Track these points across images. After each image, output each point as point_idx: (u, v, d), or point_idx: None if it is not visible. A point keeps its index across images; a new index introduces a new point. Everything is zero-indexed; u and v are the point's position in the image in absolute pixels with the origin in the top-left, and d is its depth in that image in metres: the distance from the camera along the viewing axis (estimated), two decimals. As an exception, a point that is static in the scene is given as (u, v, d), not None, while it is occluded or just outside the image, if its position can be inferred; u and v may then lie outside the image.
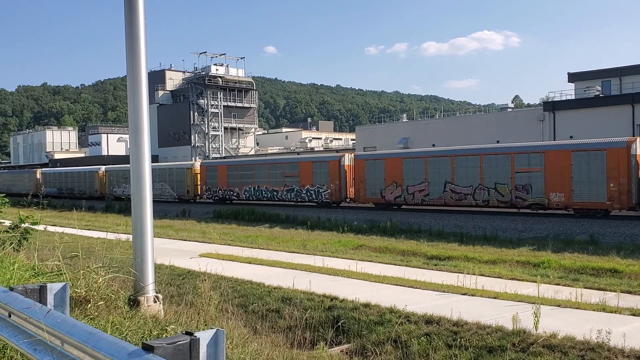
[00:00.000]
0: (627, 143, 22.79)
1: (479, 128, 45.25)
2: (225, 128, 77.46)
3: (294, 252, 18.47)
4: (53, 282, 5.97)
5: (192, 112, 75.76)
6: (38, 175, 61.83)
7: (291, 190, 35.01)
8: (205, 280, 9.60)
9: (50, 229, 18.69)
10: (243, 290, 12.21)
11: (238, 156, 71.56)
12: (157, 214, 28.03)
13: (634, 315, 9.42)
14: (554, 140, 37.51)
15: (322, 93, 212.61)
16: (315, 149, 69.56)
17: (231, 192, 39.32)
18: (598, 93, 43.23)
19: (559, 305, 10.14)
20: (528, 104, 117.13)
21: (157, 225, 23.55)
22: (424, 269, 15.15)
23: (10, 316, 5.26)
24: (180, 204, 42.25)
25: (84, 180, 54.87)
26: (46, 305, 5.20)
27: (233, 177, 39.33)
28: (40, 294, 5.43)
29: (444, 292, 11.56)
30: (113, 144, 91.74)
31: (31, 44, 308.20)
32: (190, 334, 3.68)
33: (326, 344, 8.78)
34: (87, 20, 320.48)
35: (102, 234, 19.12)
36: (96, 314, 6.66)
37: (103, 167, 53.33)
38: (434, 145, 42.65)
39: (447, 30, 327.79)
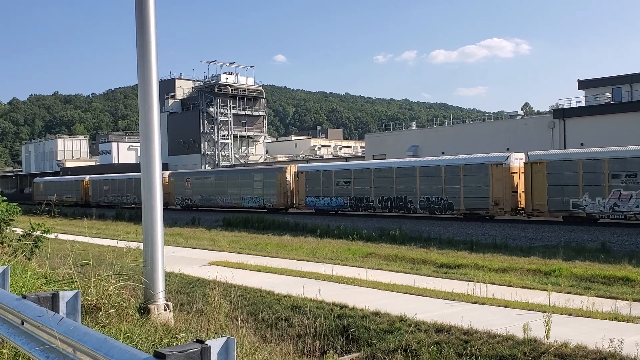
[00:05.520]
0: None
1: (489, 136, 45.14)
2: (235, 136, 77.78)
3: (303, 260, 18.48)
4: (65, 290, 6.01)
5: (201, 120, 76.15)
6: (289, 177, 37.25)
7: None
8: (214, 288, 9.63)
9: (62, 237, 18.83)
10: (252, 298, 12.22)
11: None
12: (166, 222, 28.06)
13: (647, 324, 9.33)
14: (564, 147, 37.46)
15: (331, 101, 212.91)
16: (325, 157, 69.61)
17: None
18: (609, 100, 43.02)
19: (570, 314, 10.07)
20: (538, 111, 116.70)
21: (166, 233, 23.64)
22: (434, 277, 15.10)
23: (23, 324, 5.30)
24: (189, 211, 41.88)
25: (388, 183, 30.73)
26: (58, 313, 5.24)
27: None
28: (52, 302, 5.47)
29: (454, 300, 11.52)
30: (124, 152, 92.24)
31: (43, 53, 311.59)
32: (201, 342, 3.70)
33: (336, 352, 8.76)
34: (98, 29, 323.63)
35: (112, 242, 19.21)
36: (107, 321, 6.70)
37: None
38: (443, 153, 42.58)
39: (457, 38, 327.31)
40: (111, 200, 52.44)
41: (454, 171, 28.01)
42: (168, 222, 32.63)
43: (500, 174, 26.31)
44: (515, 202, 26.25)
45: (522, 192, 26.05)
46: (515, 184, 26.23)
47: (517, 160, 26.37)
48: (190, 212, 42.04)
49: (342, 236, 25.32)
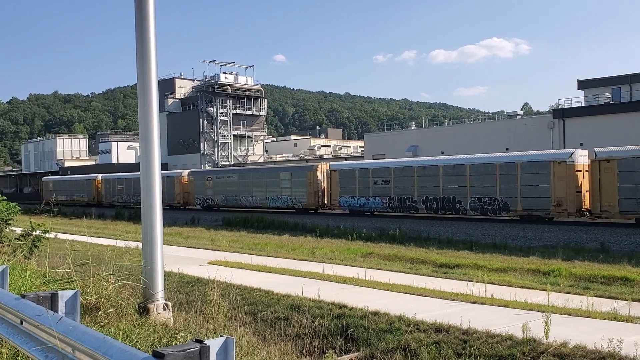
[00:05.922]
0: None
1: (488, 135, 45.17)
2: (235, 136, 77.82)
3: (302, 260, 18.47)
4: (64, 289, 6.01)
5: (201, 120, 76.18)
6: (320, 175, 35.24)
7: None
8: (214, 287, 9.62)
9: (61, 236, 18.82)
10: (252, 298, 12.23)
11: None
12: (166, 222, 27.89)
13: (646, 324, 9.33)
14: (564, 147, 37.44)
15: (331, 101, 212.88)
16: (324, 157, 69.62)
17: None
18: (608, 100, 43.05)
19: (569, 314, 10.07)
20: (537, 111, 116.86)
21: (166, 233, 23.65)
22: (433, 277, 15.10)
23: (22, 323, 5.30)
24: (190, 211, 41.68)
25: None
26: (57, 313, 5.24)
27: None
28: (51, 302, 5.47)
29: (453, 300, 11.52)
30: (123, 151, 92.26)
31: (42, 53, 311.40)
32: (200, 341, 3.70)
33: (335, 352, 8.76)
34: (97, 29, 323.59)
35: (112, 242, 19.21)
36: (106, 321, 6.69)
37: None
38: (442, 153, 42.59)
39: (456, 38, 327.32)
40: (126, 200, 49.47)
41: (510, 169, 26.23)
42: (167, 222, 32.62)
43: (563, 172, 24.46)
44: (579, 203, 24.49)
45: (587, 192, 24.32)
46: (579, 183, 24.49)
47: (582, 158, 24.85)
48: (210, 212, 40.79)
49: (341, 236, 25.31)
